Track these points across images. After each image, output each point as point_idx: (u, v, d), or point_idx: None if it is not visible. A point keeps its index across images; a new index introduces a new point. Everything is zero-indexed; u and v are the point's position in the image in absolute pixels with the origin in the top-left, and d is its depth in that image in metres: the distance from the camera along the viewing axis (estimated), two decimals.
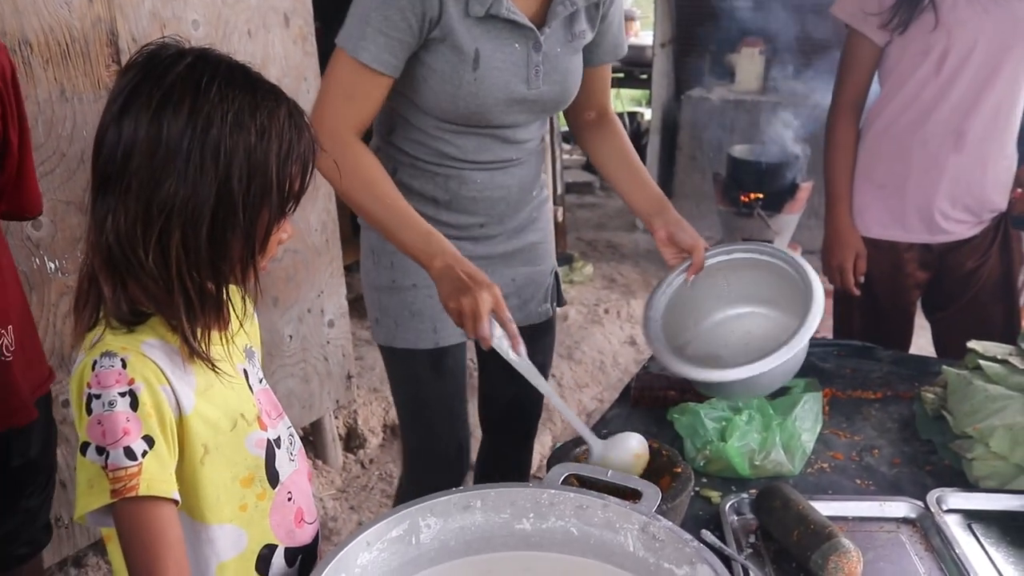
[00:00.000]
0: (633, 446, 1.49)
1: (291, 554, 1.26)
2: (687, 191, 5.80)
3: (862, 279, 2.36)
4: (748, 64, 5.38)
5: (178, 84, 1.04)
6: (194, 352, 1.11)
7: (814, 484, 1.61)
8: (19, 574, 1.86)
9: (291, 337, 2.91)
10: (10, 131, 1.68)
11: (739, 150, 3.71)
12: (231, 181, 1.05)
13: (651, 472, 1.47)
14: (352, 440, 3.42)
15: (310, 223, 2.84)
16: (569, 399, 3.74)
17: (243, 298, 1.25)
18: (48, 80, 2.10)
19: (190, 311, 1.09)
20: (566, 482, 1.31)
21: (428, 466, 1.99)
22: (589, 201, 6.62)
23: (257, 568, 1.22)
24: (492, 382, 2.10)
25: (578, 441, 1.58)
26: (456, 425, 1.96)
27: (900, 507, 1.51)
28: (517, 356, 1.54)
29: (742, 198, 3.56)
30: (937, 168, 2.21)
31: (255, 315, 1.33)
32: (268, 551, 1.23)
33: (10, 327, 1.71)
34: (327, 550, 1.11)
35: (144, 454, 1.05)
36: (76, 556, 2.63)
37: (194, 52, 1.08)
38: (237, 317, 1.21)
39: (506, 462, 2.16)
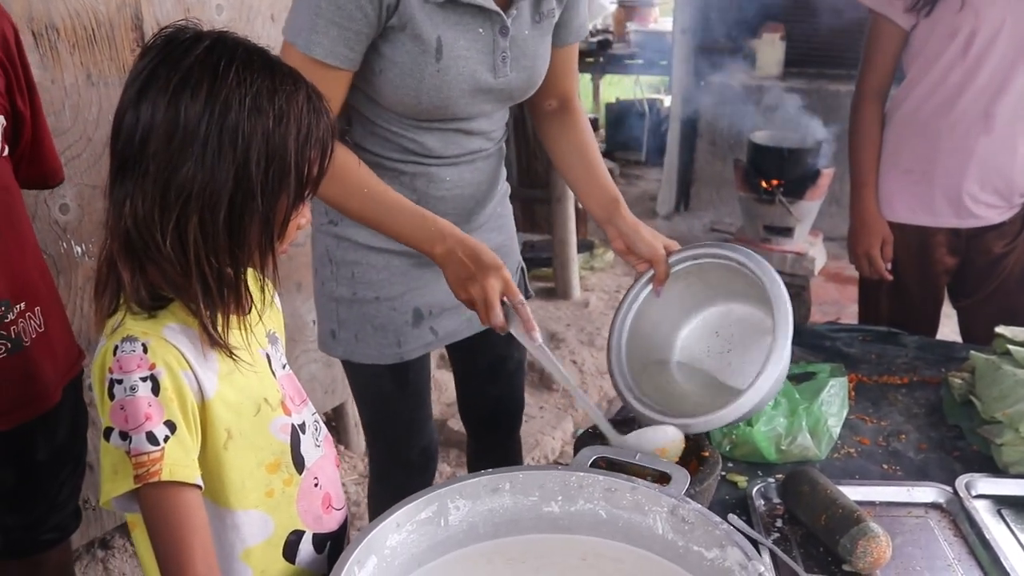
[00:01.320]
0: (657, 440, 1.43)
1: (319, 540, 1.27)
2: (707, 177, 5.79)
3: (889, 265, 2.34)
4: (769, 49, 5.34)
5: (196, 67, 1.03)
6: (212, 338, 1.11)
7: (841, 469, 1.60)
8: (47, 559, 1.86)
9: (314, 322, 2.90)
10: (17, 99, 1.65)
11: (760, 136, 3.66)
12: (249, 165, 1.05)
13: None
14: None
15: None
16: (591, 386, 3.74)
17: (262, 287, 1.25)
18: (75, 65, 2.11)
19: (208, 296, 1.09)
20: (594, 465, 1.31)
21: (395, 473, 1.94)
22: None
23: (284, 554, 1.23)
24: (472, 387, 2.04)
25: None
26: (420, 434, 1.91)
27: (928, 492, 1.51)
28: (532, 342, 1.46)
29: (763, 184, 3.53)
30: (965, 151, 2.18)
31: (277, 301, 1.33)
32: (295, 537, 1.23)
33: (37, 309, 1.69)
34: (352, 535, 1.12)
35: (166, 439, 1.06)
36: (103, 538, 2.65)
37: (212, 35, 1.07)
38: (254, 305, 1.20)
39: (495, 459, 2.08)
